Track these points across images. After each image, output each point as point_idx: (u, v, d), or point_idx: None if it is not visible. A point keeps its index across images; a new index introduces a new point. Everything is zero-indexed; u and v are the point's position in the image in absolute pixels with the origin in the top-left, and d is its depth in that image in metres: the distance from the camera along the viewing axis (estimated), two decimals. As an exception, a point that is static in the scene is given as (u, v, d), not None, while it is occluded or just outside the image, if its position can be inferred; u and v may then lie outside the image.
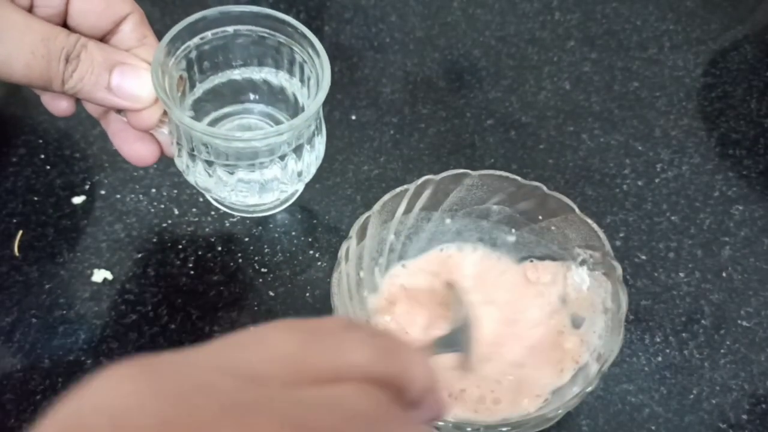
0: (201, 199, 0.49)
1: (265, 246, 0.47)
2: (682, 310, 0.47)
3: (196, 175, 0.41)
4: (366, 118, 0.54)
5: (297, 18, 0.58)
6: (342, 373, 0.19)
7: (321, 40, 0.40)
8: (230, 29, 0.41)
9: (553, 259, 0.44)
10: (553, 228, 0.43)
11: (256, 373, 0.18)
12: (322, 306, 0.45)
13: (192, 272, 0.46)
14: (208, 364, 0.19)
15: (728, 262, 0.49)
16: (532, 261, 0.44)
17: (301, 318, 0.21)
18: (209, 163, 0.41)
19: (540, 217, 0.43)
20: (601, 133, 0.54)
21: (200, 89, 0.44)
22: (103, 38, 0.37)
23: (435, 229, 0.45)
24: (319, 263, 0.47)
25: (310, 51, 0.41)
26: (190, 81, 0.42)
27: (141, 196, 0.49)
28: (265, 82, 0.44)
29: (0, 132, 0.51)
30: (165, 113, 0.39)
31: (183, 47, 0.40)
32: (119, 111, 0.39)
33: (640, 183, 0.52)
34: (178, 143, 0.40)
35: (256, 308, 0.45)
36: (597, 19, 0.61)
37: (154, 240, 0.47)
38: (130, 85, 0.36)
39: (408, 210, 0.43)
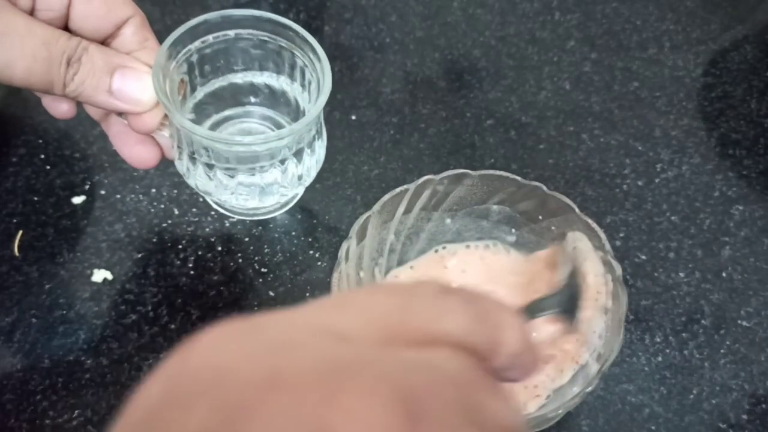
0: (201, 200, 0.49)
1: (265, 246, 0.47)
2: (682, 310, 0.47)
3: (197, 178, 0.41)
4: (366, 118, 0.54)
5: (297, 18, 0.58)
6: (436, 339, 0.19)
7: (321, 40, 0.40)
8: (231, 33, 0.41)
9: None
10: (553, 228, 0.43)
11: (353, 333, 0.18)
12: (322, 306, 0.45)
13: (192, 272, 0.46)
14: (307, 323, 0.19)
15: (728, 262, 0.49)
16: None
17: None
18: (210, 167, 0.41)
19: (540, 217, 0.44)
20: (601, 133, 0.55)
21: (201, 92, 0.44)
22: (104, 41, 0.37)
23: (435, 229, 0.45)
24: (319, 263, 0.47)
25: (311, 55, 0.40)
26: (191, 84, 0.42)
27: (141, 196, 0.49)
28: (266, 85, 0.44)
29: (0, 132, 0.51)
30: (166, 116, 0.39)
31: (184, 51, 0.40)
32: (120, 114, 0.39)
33: (640, 183, 0.52)
34: (178, 146, 0.40)
35: (256, 308, 0.45)
36: (597, 19, 0.61)
37: (154, 240, 0.47)
38: (131, 88, 0.36)
39: (408, 210, 0.43)
